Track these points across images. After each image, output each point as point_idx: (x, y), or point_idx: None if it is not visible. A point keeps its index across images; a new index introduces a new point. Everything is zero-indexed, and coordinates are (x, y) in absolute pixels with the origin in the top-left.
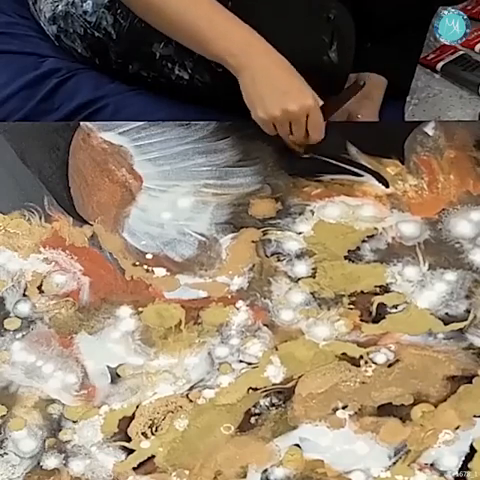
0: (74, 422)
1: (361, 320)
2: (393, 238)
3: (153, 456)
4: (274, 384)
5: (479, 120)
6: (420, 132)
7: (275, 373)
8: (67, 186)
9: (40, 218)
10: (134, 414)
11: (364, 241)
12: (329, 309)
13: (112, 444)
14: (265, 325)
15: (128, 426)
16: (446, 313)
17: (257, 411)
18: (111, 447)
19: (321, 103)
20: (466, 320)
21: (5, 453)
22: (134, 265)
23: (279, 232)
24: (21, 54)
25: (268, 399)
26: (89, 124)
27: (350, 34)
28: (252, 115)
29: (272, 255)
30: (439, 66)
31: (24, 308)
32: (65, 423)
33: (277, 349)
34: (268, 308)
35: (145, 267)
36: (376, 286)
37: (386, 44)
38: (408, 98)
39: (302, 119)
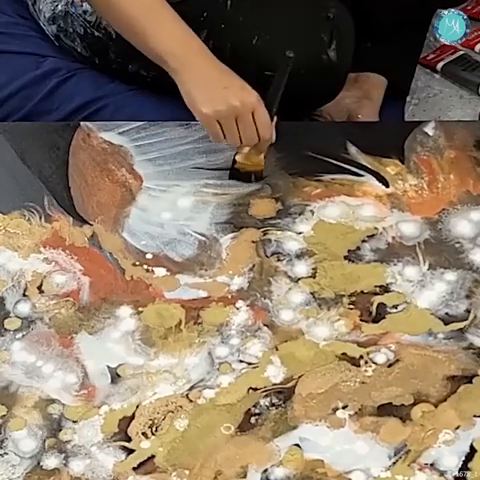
0: (74, 422)
1: (361, 320)
2: (393, 238)
3: (153, 456)
4: (274, 384)
5: (479, 120)
6: (420, 132)
7: (275, 373)
8: (67, 186)
9: (40, 218)
10: (134, 414)
11: (364, 241)
12: (329, 309)
13: (112, 444)
14: (265, 325)
15: (128, 426)
16: (446, 313)
17: (257, 411)
18: (111, 447)
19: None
20: (466, 320)
21: (5, 453)
22: (134, 265)
23: (279, 232)
24: (21, 54)
25: (268, 399)
26: (89, 124)
27: (349, 33)
28: (196, 115)
29: (272, 255)
30: (439, 66)
31: (24, 308)
32: (65, 423)
33: (277, 349)
34: (268, 308)
35: (145, 267)
36: (376, 286)
37: (386, 44)
38: (408, 98)
39: (248, 115)
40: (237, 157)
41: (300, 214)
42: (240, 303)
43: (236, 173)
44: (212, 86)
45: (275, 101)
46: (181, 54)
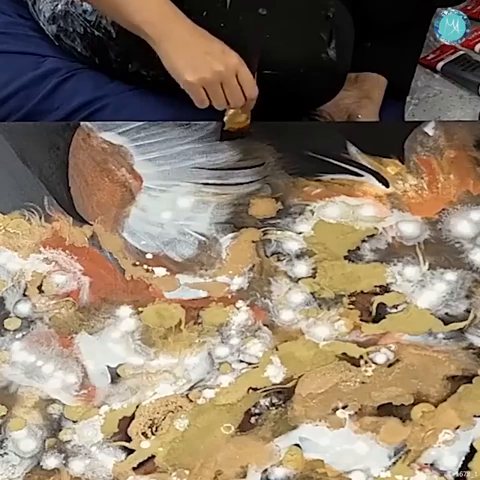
0: (74, 422)
1: (361, 320)
2: (393, 238)
3: (153, 456)
4: (274, 384)
5: (479, 120)
6: (420, 132)
7: (275, 373)
8: (67, 186)
9: (40, 218)
10: (134, 414)
11: (364, 241)
12: (329, 309)
13: (112, 444)
14: (265, 325)
15: (128, 426)
16: (446, 313)
17: (257, 411)
18: (111, 447)
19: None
20: (466, 320)
21: (5, 453)
22: (134, 265)
23: (279, 232)
24: (21, 54)
25: (268, 399)
26: (89, 124)
27: (349, 32)
28: (180, 83)
29: (272, 255)
30: (439, 66)
31: (24, 308)
32: (65, 423)
33: (277, 349)
34: (268, 308)
35: (145, 267)
36: (376, 286)
37: (386, 44)
38: (408, 98)
39: (233, 79)
40: (226, 119)
41: (300, 214)
42: (240, 303)
43: (227, 135)
44: (193, 52)
45: (256, 59)
46: (159, 23)
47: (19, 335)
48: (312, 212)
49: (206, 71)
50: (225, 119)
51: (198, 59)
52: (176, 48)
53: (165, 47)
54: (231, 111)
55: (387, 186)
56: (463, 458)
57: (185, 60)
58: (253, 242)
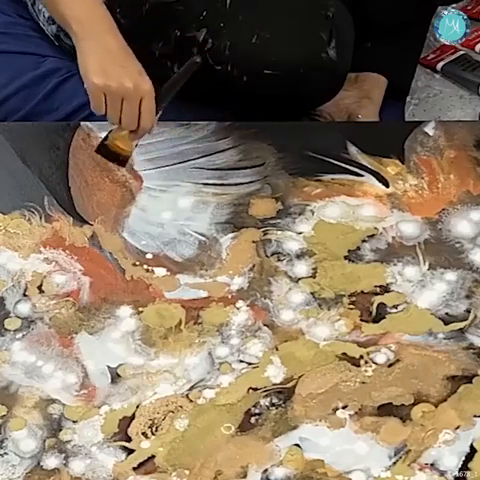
0: (74, 422)
1: (361, 320)
2: (393, 238)
3: (153, 456)
4: (274, 384)
5: (479, 120)
6: (420, 132)
7: (275, 373)
8: (67, 186)
9: (40, 218)
10: (134, 414)
11: (364, 241)
12: (329, 309)
13: (112, 444)
14: (265, 325)
15: (128, 426)
16: (446, 313)
17: (257, 411)
18: (111, 447)
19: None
20: (466, 320)
21: (5, 453)
22: (134, 265)
23: (279, 232)
24: (21, 54)
25: (268, 399)
26: (89, 124)
27: (349, 32)
28: (86, 83)
29: (272, 255)
30: (439, 66)
31: (24, 308)
32: (65, 423)
33: (277, 349)
34: (268, 308)
35: (145, 267)
36: (376, 286)
37: (386, 44)
38: (408, 98)
39: (135, 100)
40: (110, 135)
41: (300, 214)
42: (240, 303)
43: (104, 149)
44: (110, 59)
45: (167, 97)
46: (86, 22)
47: (19, 335)
48: (312, 212)
49: (114, 80)
50: (110, 134)
51: (112, 67)
52: (96, 49)
53: (86, 44)
54: (119, 131)
55: (387, 186)
56: (463, 458)
57: (99, 63)
58: (253, 242)
